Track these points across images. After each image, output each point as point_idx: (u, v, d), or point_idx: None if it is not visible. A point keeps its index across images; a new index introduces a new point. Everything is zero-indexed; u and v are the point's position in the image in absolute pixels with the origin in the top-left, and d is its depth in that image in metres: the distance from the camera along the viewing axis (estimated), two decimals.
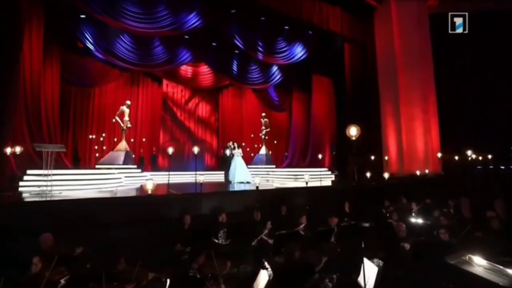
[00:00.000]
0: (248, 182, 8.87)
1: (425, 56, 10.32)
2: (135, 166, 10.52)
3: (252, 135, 14.30)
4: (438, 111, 10.41)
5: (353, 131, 5.07)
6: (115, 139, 11.38)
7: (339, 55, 12.22)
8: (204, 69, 13.47)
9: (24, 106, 8.11)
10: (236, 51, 12.77)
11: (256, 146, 14.15)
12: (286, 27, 11.73)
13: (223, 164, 9.49)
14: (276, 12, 10.10)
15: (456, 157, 8.71)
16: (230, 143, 9.85)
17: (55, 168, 8.44)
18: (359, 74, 11.24)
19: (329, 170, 11.61)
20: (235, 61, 13.23)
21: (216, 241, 4.71)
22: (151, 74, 12.67)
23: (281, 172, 11.66)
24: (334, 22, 10.47)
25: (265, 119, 13.19)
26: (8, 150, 4.99)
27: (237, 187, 7.99)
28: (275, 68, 14.07)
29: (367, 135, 10.88)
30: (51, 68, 9.68)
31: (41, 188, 5.78)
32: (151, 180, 4.77)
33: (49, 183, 5.74)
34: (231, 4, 10.29)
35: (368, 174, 9.58)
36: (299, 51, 12.41)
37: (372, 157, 9.87)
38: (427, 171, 9.16)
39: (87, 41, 10.14)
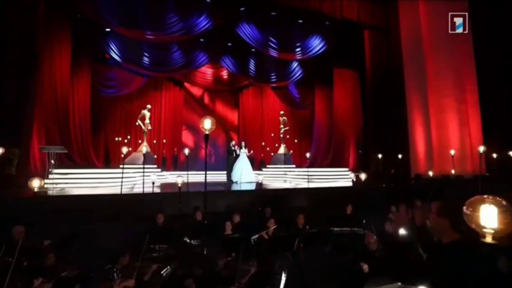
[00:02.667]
0: (253, 182, 8.72)
1: (462, 37, 8.82)
2: (155, 166, 11.13)
3: (273, 134, 14.01)
4: (480, 101, 8.81)
5: (207, 123, 4.54)
6: (140, 141, 12.24)
7: (362, 45, 11.21)
8: (223, 70, 13.66)
9: (55, 112, 9.25)
10: (253, 50, 12.65)
11: (276, 145, 13.83)
12: (300, 21, 11.20)
13: (227, 163, 9.48)
14: (285, 5, 9.74)
15: (494, 155, 7.22)
16: (233, 143, 9.77)
17: (86, 168, 9.54)
18: (382, 63, 10.15)
19: (349, 170, 10.73)
20: (252, 60, 13.12)
21: (188, 240, 4.67)
22: (173, 79, 13.31)
23: (298, 173, 11.18)
24: (349, 9, 9.65)
25: (284, 118, 12.77)
26: None
27: (235, 187, 7.90)
28: (295, 64, 13.56)
29: (391, 130, 9.82)
30: (83, 78, 10.84)
31: (48, 186, 6.46)
32: (37, 179, 5.00)
33: (52, 180, 6.36)
34: (239, 2, 10.23)
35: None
36: (316, 44, 11.76)
37: (374, 154, 8.79)
38: (453, 171, 7.79)
39: (113, 52, 11.11)
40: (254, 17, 10.78)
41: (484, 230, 1.21)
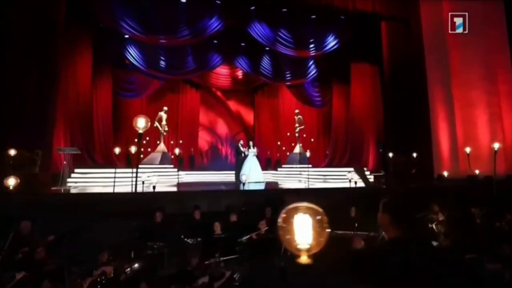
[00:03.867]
0: (261, 182, 8.61)
1: (492, 20, 7.94)
2: (172, 166, 11.46)
3: (289, 134, 13.78)
4: None
5: (140, 122, 4.30)
6: (158, 142, 12.70)
7: (380, 38, 10.58)
8: (238, 70, 13.70)
9: (79, 116, 9.89)
10: (267, 48, 12.52)
11: (293, 145, 13.58)
12: (313, 16, 10.85)
13: (236, 163, 9.45)
14: (296, 1, 9.52)
15: None
16: (241, 142, 9.70)
17: (108, 167, 10.12)
18: (401, 55, 9.46)
19: (367, 170, 10.19)
20: (266, 59, 12.98)
21: (185, 239, 4.71)
22: (189, 81, 13.65)
23: (312, 172, 10.86)
24: (362, 0, 9.14)
25: (299, 116, 12.49)
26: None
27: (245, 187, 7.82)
28: (310, 61, 13.20)
29: (412, 127, 9.15)
30: (104, 83, 11.50)
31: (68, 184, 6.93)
32: (13, 178, 5.26)
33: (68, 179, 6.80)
34: (249, 1, 10.16)
35: None
36: (331, 40, 11.33)
37: (393, 153, 8.18)
38: (477, 171, 6.99)
39: (132, 58, 11.64)
40: (265, 15, 10.65)
41: (299, 246, 1.00)
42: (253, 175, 8.64)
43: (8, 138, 6.87)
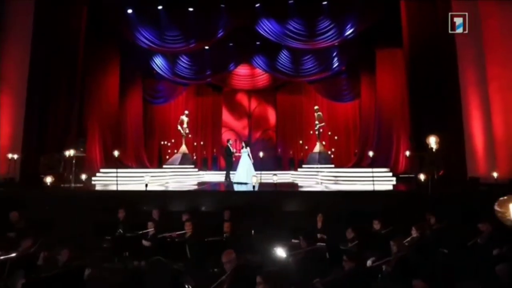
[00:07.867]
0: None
1: None
2: (192, 166, 12.05)
3: (311, 132, 12.96)
4: None
5: None
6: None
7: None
8: (259, 70, 13.55)
9: (112, 124, 11.31)
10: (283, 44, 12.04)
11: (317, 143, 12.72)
12: (324, 3, 9.98)
13: (226, 164, 9.22)
14: None
15: None
16: (230, 142, 9.45)
17: (139, 167, 11.36)
18: (425, 34, 7.91)
19: (390, 171, 8.84)
20: (284, 55, 12.50)
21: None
22: (211, 85, 14.13)
23: (328, 173, 9.98)
24: None
25: (318, 113, 11.56)
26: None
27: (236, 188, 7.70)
28: (333, 53, 12.15)
29: (439, 119, 7.58)
30: (136, 92, 12.85)
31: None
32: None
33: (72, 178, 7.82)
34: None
35: None
36: (348, 26, 10.25)
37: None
38: (495, 174, 5.21)
39: (157, 67, 12.73)
40: (272, 10, 10.30)
41: None
42: (246, 175, 8.40)
43: (43, 143, 8.40)
